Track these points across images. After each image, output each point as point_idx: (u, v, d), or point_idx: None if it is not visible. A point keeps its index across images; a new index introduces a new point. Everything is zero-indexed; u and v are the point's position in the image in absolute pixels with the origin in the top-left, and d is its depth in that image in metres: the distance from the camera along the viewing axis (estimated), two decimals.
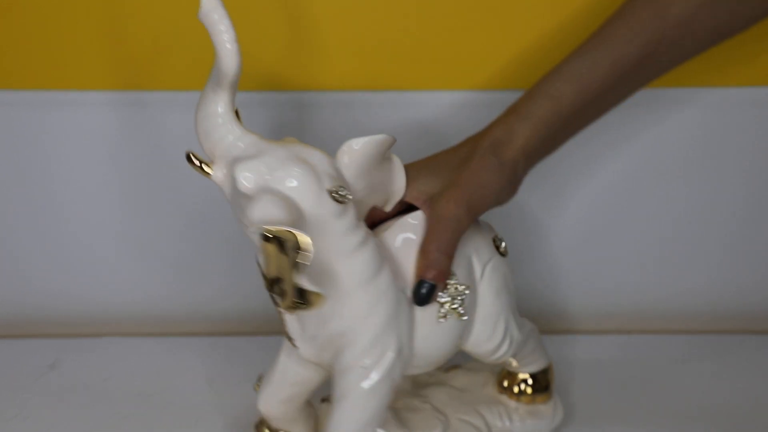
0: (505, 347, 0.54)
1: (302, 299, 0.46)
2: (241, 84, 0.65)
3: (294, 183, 0.44)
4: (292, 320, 0.49)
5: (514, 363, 0.57)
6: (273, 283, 0.46)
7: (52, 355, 0.70)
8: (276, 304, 0.48)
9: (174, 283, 0.73)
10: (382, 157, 0.48)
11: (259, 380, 0.55)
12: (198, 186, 0.69)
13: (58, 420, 0.62)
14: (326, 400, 0.58)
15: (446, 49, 0.66)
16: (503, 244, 0.54)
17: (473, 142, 0.54)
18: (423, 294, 0.49)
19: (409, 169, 0.52)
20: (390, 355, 0.48)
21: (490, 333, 0.53)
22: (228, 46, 0.44)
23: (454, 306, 0.50)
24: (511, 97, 0.56)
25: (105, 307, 0.73)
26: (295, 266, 0.45)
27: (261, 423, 0.57)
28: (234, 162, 0.45)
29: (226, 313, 0.73)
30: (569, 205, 0.71)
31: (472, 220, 0.51)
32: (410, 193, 0.51)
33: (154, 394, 0.65)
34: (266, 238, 0.44)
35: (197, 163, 0.46)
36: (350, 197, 0.46)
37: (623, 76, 0.54)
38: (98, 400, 0.64)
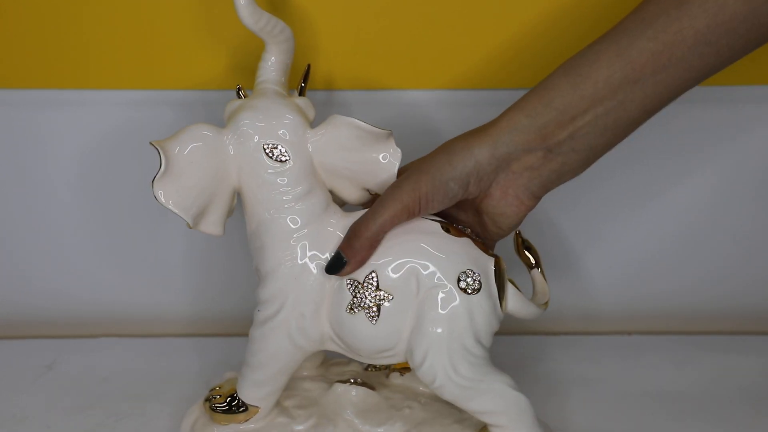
0: (434, 378, 0.52)
1: None
2: (226, 83, 0.66)
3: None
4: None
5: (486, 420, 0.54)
6: None
7: (50, 356, 0.70)
8: None
9: (174, 284, 0.73)
10: (363, 144, 0.51)
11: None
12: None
13: (56, 420, 0.62)
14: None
15: (432, 48, 0.66)
16: (470, 281, 0.51)
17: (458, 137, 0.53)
18: (330, 263, 0.52)
19: (406, 168, 0.53)
20: (282, 312, 0.53)
21: (421, 358, 0.52)
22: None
23: (361, 305, 0.52)
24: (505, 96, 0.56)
25: (103, 308, 0.73)
26: None
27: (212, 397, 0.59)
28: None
29: (226, 314, 0.73)
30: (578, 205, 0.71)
31: (404, 204, 0.50)
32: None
33: (152, 394, 0.65)
34: None
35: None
36: (285, 158, 0.52)
37: (615, 89, 0.50)
38: (96, 401, 0.64)
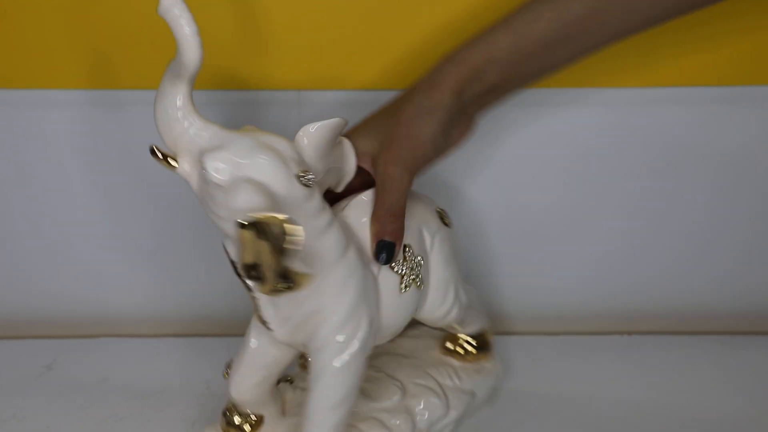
0: (455, 311, 0.57)
1: (288, 281, 0.45)
2: (224, 83, 0.65)
3: (265, 170, 0.45)
4: (266, 304, 0.50)
5: (457, 326, 0.60)
6: (250, 269, 0.44)
7: (50, 356, 0.70)
8: (249, 289, 0.49)
9: (174, 284, 0.73)
10: (336, 140, 0.50)
11: (228, 367, 0.55)
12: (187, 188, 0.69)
13: (56, 420, 0.62)
14: (287, 380, 0.60)
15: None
16: (445, 214, 0.57)
17: (406, 92, 0.54)
18: (384, 254, 0.51)
19: (350, 133, 0.54)
20: (363, 329, 0.50)
21: (442, 299, 0.56)
22: (190, 38, 0.45)
23: (412, 276, 0.53)
24: None
25: (103, 308, 0.73)
26: (282, 251, 0.44)
27: (230, 409, 0.57)
28: (201, 154, 0.45)
29: (227, 314, 0.73)
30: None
31: (413, 174, 0.52)
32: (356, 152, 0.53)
33: (151, 394, 0.65)
34: (242, 225, 0.43)
35: (161, 156, 0.46)
36: (315, 180, 0.47)
37: (566, 34, 0.53)
38: (95, 401, 0.64)
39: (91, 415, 0.62)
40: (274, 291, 0.45)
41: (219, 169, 0.44)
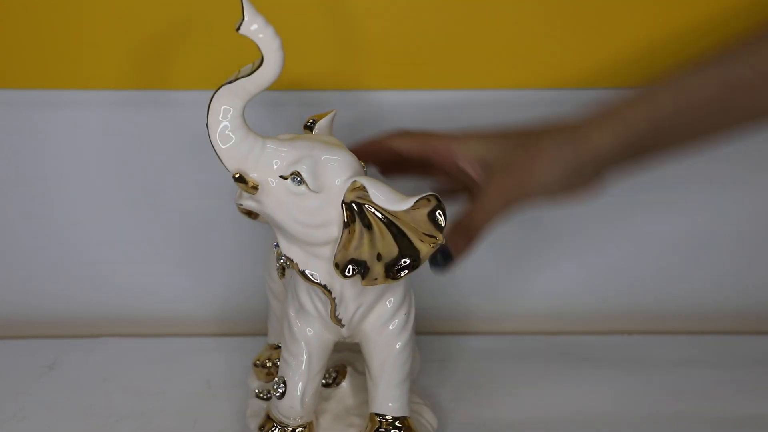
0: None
1: (399, 269, 0.49)
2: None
3: (348, 166, 0.49)
4: (349, 300, 0.51)
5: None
6: (356, 264, 0.48)
7: (51, 356, 0.70)
8: (329, 292, 0.50)
9: (174, 284, 0.73)
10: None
11: (276, 391, 0.54)
12: (199, 187, 0.69)
13: (57, 420, 0.62)
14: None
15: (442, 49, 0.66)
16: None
17: (546, 128, 0.52)
18: (441, 260, 0.52)
19: (477, 133, 0.54)
20: (412, 306, 0.54)
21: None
22: (277, 54, 0.46)
23: None
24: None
25: (104, 308, 0.73)
26: (392, 238, 0.48)
27: (269, 426, 0.56)
28: (284, 168, 0.48)
29: (227, 314, 0.73)
30: None
31: (510, 208, 0.52)
32: (460, 152, 0.53)
33: (153, 394, 0.65)
34: (355, 221, 0.48)
35: (251, 184, 0.48)
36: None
37: (733, 98, 0.50)
38: (97, 401, 0.64)
39: (93, 415, 0.62)
40: (380, 280, 0.49)
41: (314, 174, 0.47)
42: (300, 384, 0.54)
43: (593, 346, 0.71)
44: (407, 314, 0.54)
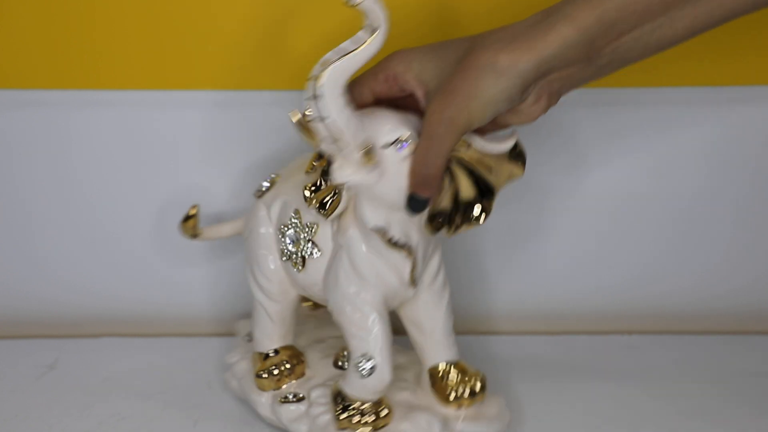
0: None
1: (472, 217, 0.52)
2: (230, 83, 0.65)
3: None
4: (421, 260, 0.55)
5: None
6: (439, 216, 0.51)
7: (52, 355, 0.70)
8: (411, 253, 0.54)
9: (175, 284, 0.73)
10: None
11: (361, 370, 0.54)
12: (198, 187, 0.69)
13: (58, 420, 0.62)
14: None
15: None
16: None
17: (489, 35, 0.49)
18: (416, 207, 0.51)
19: (411, 50, 0.51)
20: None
21: None
22: (385, 26, 0.48)
23: None
24: None
25: (105, 307, 0.73)
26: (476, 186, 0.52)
27: (354, 406, 0.56)
28: (382, 137, 0.50)
29: (227, 313, 0.73)
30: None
31: (459, 135, 0.49)
32: (407, 76, 0.51)
33: (153, 394, 0.65)
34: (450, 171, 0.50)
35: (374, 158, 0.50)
36: None
37: (668, 6, 0.47)
38: (98, 400, 0.64)
39: (94, 415, 0.62)
40: (463, 227, 0.52)
41: (408, 138, 0.50)
42: (387, 355, 0.55)
43: (593, 346, 0.71)
44: (444, 270, 0.58)
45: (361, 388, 0.55)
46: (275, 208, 0.58)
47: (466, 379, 0.58)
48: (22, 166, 0.70)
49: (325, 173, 0.52)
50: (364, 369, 0.54)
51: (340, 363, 0.62)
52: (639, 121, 0.69)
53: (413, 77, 0.51)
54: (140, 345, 0.71)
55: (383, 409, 0.56)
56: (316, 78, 0.48)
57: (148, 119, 0.68)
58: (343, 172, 0.50)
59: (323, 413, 0.57)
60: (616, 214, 0.72)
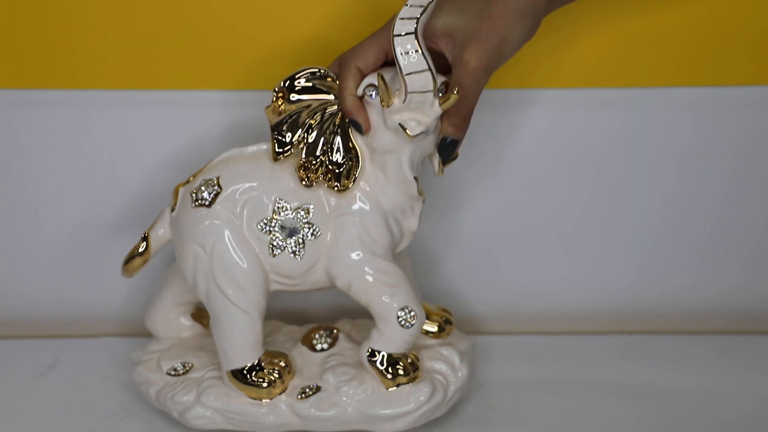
0: None
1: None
2: (224, 83, 0.65)
3: None
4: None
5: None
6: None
7: (52, 356, 0.70)
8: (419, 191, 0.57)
9: None
10: None
11: (411, 319, 0.57)
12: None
13: (58, 420, 0.62)
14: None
15: None
16: None
17: None
18: (451, 148, 0.54)
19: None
20: None
21: None
22: None
23: None
24: None
25: (105, 308, 0.73)
26: None
27: (403, 361, 0.58)
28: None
29: None
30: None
31: (489, 76, 0.53)
32: (429, 29, 0.53)
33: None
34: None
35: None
36: None
37: None
38: (97, 401, 0.64)
39: (93, 415, 0.62)
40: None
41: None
42: (419, 301, 0.58)
43: (593, 346, 0.71)
44: None
45: (402, 341, 0.57)
46: (240, 209, 0.56)
47: (434, 316, 0.63)
48: (23, 164, 0.70)
49: (310, 151, 0.55)
50: (406, 321, 0.57)
51: (314, 344, 0.63)
52: (643, 121, 0.69)
53: (436, 29, 0.53)
54: (139, 345, 0.71)
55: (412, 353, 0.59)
56: (415, 34, 0.50)
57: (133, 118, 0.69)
58: (424, 120, 0.52)
59: (364, 388, 0.58)
60: (617, 215, 0.72)
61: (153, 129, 0.68)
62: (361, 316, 0.67)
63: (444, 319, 0.63)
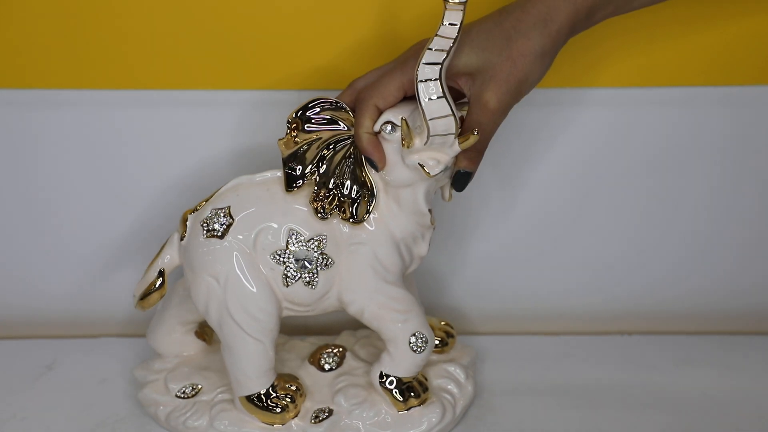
0: None
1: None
2: (225, 83, 0.65)
3: None
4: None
5: None
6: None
7: (50, 356, 0.70)
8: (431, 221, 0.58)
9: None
10: None
11: (421, 345, 0.58)
12: (196, 186, 0.69)
13: (56, 420, 0.62)
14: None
15: None
16: None
17: (517, 16, 0.53)
18: (465, 181, 0.55)
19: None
20: None
21: None
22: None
23: None
24: None
25: (103, 308, 0.73)
26: None
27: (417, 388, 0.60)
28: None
29: None
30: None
31: (508, 113, 0.54)
32: (450, 68, 0.52)
33: None
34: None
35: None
36: None
37: None
38: (97, 401, 0.64)
39: (92, 415, 0.62)
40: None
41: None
42: (428, 325, 0.59)
43: (593, 346, 0.71)
44: None
45: (413, 365, 0.58)
46: (253, 240, 0.56)
47: (437, 331, 0.65)
48: (23, 163, 0.70)
49: (323, 183, 0.55)
50: (417, 346, 0.58)
51: (322, 363, 0.63)
52: (643, 121, 0.69)
53: (457, 72, 0.53)
54: (138, 345, 0.71)
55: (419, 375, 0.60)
56: (439, 80, 0.50)
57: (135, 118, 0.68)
58: (443, 159, 0.52)
59: (377, 411, 0.59)
60: (617, 215, 0.72)
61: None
62: (362, 327, 0.67)
63: (446, 332, 0.65)
